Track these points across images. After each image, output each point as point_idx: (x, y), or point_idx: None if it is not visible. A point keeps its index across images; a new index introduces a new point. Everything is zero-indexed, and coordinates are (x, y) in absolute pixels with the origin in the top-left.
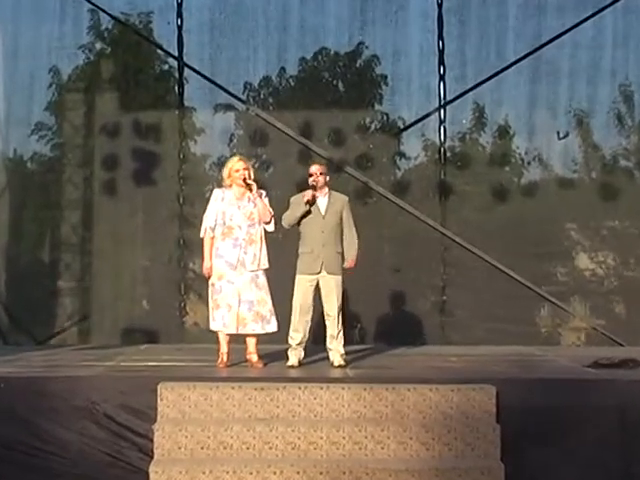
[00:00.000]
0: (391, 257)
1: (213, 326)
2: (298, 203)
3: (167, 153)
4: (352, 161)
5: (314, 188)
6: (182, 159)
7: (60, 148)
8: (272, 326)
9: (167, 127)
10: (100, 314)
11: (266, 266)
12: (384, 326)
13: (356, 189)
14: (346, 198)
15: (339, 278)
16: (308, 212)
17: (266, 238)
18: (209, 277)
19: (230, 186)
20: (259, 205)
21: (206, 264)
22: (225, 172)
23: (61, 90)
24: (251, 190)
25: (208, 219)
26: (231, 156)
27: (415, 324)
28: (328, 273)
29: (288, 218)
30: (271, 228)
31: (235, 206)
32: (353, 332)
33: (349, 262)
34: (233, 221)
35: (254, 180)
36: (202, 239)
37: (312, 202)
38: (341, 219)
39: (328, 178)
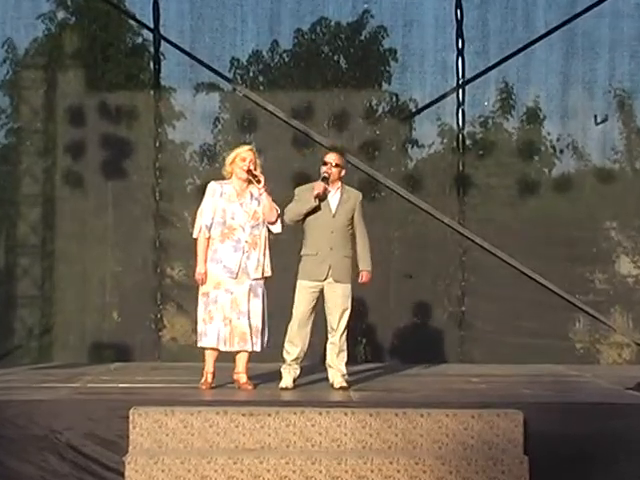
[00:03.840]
0: (402, 261)
1: (205, 342)
2: (305, 196)
3: (141, 140)
4: (356, 150)
5: (326, 180)
6: (158, 147)
7: (16, 134)
8: (264, 342)
9: (141, 110)
10: (64, 327)
11: (269, 274)
12: (393, 341)
13: (361, 182)
14: (360, 195)
15: (348, 287)
16: (316, 208)
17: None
18: (202, 284)
19: (229, 177)
20: (264, 202)
21: (200, 269)
22: (229, 158)
23: (17, 66)
24: (259, 182)
25: (204, 216)
26: (241, 144)
27: (430, 339)
28: (335, 280)
29: (292, 212)
30: (277, 229)
31: (237, 203)
32: (358, 349)
33: (364, 276)
34: (235, 220)
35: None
36: (195, 240)
37: (323, 197)
38: (353, 220)
39: (344, 172)
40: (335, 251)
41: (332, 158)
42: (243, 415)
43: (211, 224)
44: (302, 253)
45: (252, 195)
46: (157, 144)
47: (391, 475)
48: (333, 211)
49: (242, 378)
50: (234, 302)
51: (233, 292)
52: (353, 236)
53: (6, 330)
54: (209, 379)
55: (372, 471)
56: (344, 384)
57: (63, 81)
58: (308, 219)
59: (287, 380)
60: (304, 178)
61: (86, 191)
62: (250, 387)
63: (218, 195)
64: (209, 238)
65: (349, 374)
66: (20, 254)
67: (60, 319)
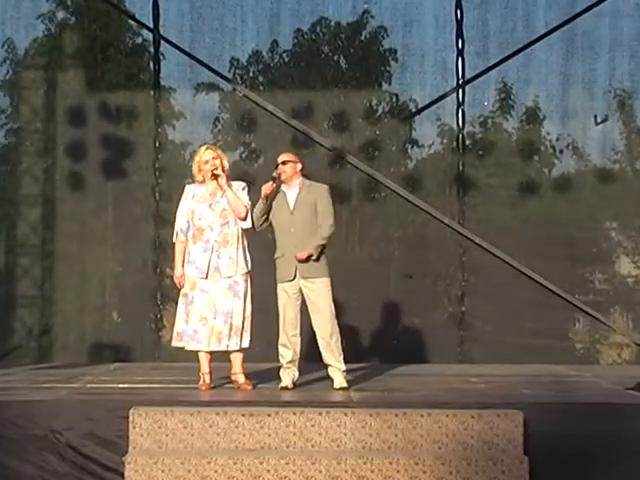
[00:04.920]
0: (402, 261)
1: (179, 343)
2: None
3: (141, 140)
4: (356, 150)
5: (274, 180)
6: (158, 147)
7: (16, 134)
8: (246, 341)
9: (141, 110)
10: (64, 328)
11: (245, 270)
12: (393, 341)
13: (361, 182)
14: (324, 187)
15: (323, 281)
16: (269, 209)
17: (247, 237)
18: (181, 287)
19: (203, 181)
20: (229, 197)
21: (177, 272)
22: (194, 167)
23: (17, 66)
24: (217, 180)
25: (179, 221)
26: (199, 146)
27: (429, 339)
28: (304, 278)
29: (254, 217)
30: (247, 224)
31: (206, 204)
32: (358, 348)
33: (300, 253)
34: (202, 221)
35: (222, 170)
36: (173, 244)
37: (271, 197)
38: (316, 213)
39: (300, 167)
40: (299, 249)
41: (281, 158)
42: (243, 415)
43: (187, 227)
44: (274, 257)
45: (223, 194)
46: (157, 144)
47: (391, 475)
48: (291, 208)
49: (240, 378)
50: (210, 302)
51: (209, 292)
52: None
53: (6, 330)
54: (206, 380)
55: (372, 471)
56: (344, 384)
57: (63, 81)
58: (273, 221)
59: (286, 381)
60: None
61: (86, 191)
62: (249, 387)
63: (190, 197)
64: (186, 241)
65: (349, 373)
66: (20, 254)
67: (60, 319)
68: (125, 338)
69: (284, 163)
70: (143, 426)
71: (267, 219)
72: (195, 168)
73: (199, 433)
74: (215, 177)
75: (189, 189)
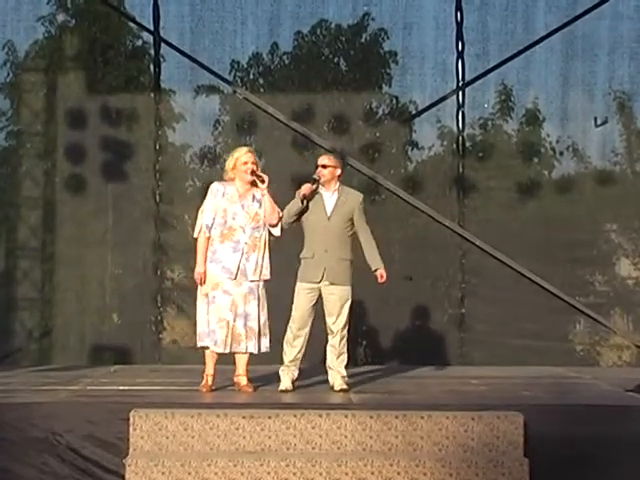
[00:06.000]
0: (402, 263)
1: (203, 343)
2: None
3: (141, 143)
4: (356, 152)
5: (314, 182)
6: (158, 150)
7: (16, 137)
8: (264, 345)
9: (141, 113)
10: (64, 330)
11: (268, 277)
12: (393, 343)
13: (361, 184)
14: (360, 197)
15: (345, 289)
16: (305, 209)
17: (269, 244)
18: (201, 284)
19: (233, 180)
20: (266, 204)
21: (199, 268)
22: (230, 163)
23: (17, 69)
24: (263, 182)
25: (205, 216)
26: (238, 146)
27: (430, 341)
28: (331, 283)
29: (285, 213)
30: (277, 232)
31: (238, 204)
32: (358, 351)
33: (380, 275)
34: (236, 221)
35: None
36: (196, 239)
37: (309, 198)
38: (352, 222)
39: (339, 172)
40: (330, 253)
41: (321, 160)
42: (243, 417)
43: (212, 224)
44: (301, 256)
45: (254, 197)
46: (157, 146)
47: (391, 477)
48: (328, 213)
49: (242, 380)
50: (232, 304)
51: (232, 294)
52: (352, 238)
53: (6, 333)
54: (209, 381)
55: (372, 473)
56: (344, 386)
57: (63, 84)
58: (306, 221)
59: (286, 382)
60: (304, 181)
61: (86, 194)
62: (250, 389)
63: (220, 195)
64: (209, 238)
65: (349, 376)
66: (20, 257)
67: (60, 322)
68: (125, 340)
69: (324, 167)
70: (143, 428)
71: (298, 219)
72: (230, 164)
73: (199, 435)
74: (258, 178)
75: (218, 187)
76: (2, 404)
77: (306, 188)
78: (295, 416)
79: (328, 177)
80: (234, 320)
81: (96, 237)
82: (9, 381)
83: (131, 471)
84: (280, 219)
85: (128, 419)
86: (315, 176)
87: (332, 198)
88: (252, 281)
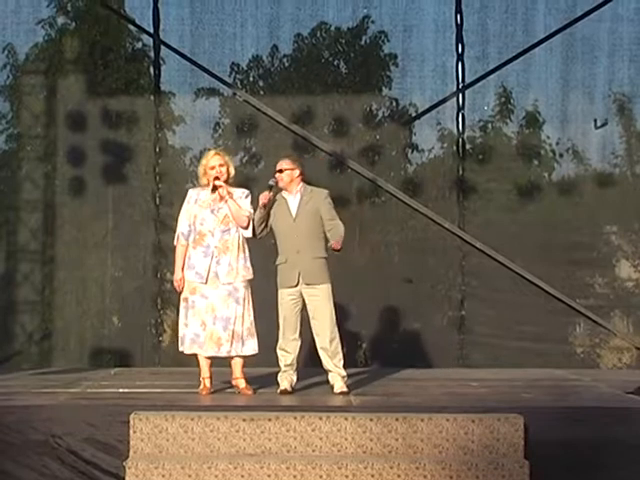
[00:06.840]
0: (402, 266)
1: (184, 348)
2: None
3: (141, 145)
4: (356, 154)
5: (270, 188)
6: (158, 152)
7: (17, 140)
8: (249, 348)
9: (141, 115)
10: (64, 333)
11: (247, 277)
12: (393, 346)
13: (361, 187)
14: (324, 192)
15: (324, 287)
16: (267, 217)
17: (249, 244)
18: (180, 291)
19: (207, 185)
20: (230, 207)
21: (176, 275)
22: (200, 170)
23: (17, 72)
24: (218, 190)
25: (180, 224)
26: (207, 150)
27: (430, 343)
28: (307, 284)
29: (255, 224)
30: (249, 233)
31: (208, 209)
32: (358, 353)
33: (334, 244)
34: (204, 226)
35: (227, 179)
36: (174, 247)
37: (269, 205)
38: (321, 218)
39: (298, 173)
40: (302, 254)
41: (279, 165)
42: (243, 420)
43: (189, 231)
44: (276, 263)
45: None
46: (157, 149)
47: None
48: (294, 215)
49: (241, 383)
50: (209, 307)
51: (208, 297)
52: (325, 237)
53: (6, 335)
54: (207, 384)
55: (373, 476)
56: (344, 389)
57: (63, 86)
58: (274, 227)
59: (284, 384)
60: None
61: (86, 196)
62: (250, 392)
63: (193, 202)
64: (187, 245)
65: (349, 378)
66: (20, 259)
67: (60, 324)
68: (125, 343)
69: (281, 171)
70: (144, 431)
71: (267, 226)
72: (201, 171)
73: (200, 438)
74: (215, 188)
75: (192, 193)
76: (2, 407)
77: (263, 197)
78: (295, 418)
79: (287, 180)
80: (213, 323)
81: (96, 240)
82: (9, 384)
83: (131, 474)
84: (250, 221)
85: (128, 422)
86: (271, 182)
87: (295, 200)
88: (228, 283)
